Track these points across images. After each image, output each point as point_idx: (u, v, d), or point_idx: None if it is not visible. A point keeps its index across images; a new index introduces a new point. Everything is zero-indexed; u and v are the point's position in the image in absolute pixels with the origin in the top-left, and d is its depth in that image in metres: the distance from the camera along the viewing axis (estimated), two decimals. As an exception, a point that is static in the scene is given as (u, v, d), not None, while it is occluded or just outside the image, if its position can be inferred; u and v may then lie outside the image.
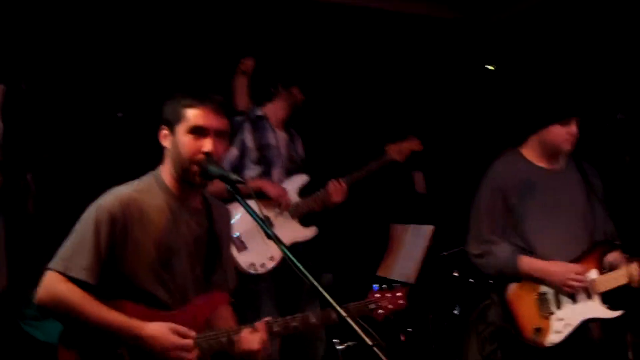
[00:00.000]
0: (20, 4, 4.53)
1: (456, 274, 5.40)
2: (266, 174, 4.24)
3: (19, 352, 3.75)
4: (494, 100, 6.41)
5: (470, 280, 5.34)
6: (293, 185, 4.29)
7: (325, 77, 5.81)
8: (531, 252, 3.51)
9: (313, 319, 2.75)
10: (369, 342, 1.93)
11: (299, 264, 2.16)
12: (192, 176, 2.60)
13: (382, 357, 1.87)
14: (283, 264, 3.99)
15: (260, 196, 4.04)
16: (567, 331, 3.41)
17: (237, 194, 2.47)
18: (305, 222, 4.27)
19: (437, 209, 5.96)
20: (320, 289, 2.08)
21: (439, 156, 6.50)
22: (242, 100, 5.20)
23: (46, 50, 4.61)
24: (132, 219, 2.57)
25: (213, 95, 2.66)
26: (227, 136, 2.70)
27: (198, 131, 2.58)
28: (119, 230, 2.53)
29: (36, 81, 4.48)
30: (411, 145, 4.66)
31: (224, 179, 2.51)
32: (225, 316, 2.81)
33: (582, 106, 3.50)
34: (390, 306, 2.97)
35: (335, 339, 2.65)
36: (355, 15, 6.13)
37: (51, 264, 2.52)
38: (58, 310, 2.49)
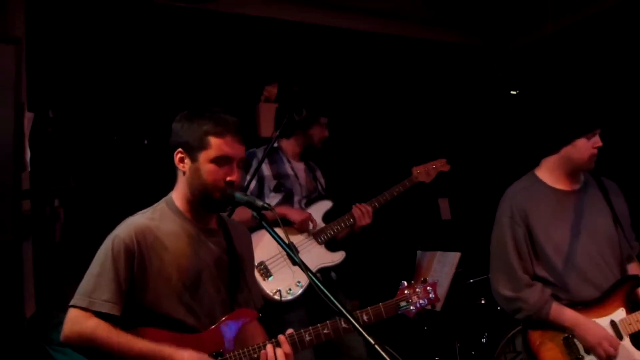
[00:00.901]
0: (48, 33, 4.60)
1: (483, 302, 5.33)
2: (287, 200, 4.21)
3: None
4: (518, 125, 6.39)
5: (498, 308, 5.26)
6: (318, 211, 4.25)
7: (351, 102, 5.85)
8: (560, 287, 3.31)
9: (343, 324, 2.71)
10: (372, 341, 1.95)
11: (325, 290, 2.14)
12: (214, 203, 2.61)
13: (385, 356, 1.87)
14: (313, 291, 3.93)
15: (284, 223, 4.00)
16: None
17: (263, 220, 2.47)
18: (332, 247, 4.22)
19: (463, 236, 5.92)
20: (347, 315, 2.07)
21: (464, 183, 6.49)
22: (265, 126, 5.24)
23: (74, 78, 4.67)
24: (149, 248, 2.56)
25: (231, 120, 2.63)
26: (243, 163, 2.72)
27: (223, 160, 2.59)
28: (137, 260, 2.53)
29: (64, 108, 4.53)
30: (438, 166, 4.54)
31: (250, 205, 2.51)
32: (255, 333, 2.79)
33: (605, 117, 3.32)
34: (421, 302, 2.94)
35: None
36: (380, 42, 6.18)
37: (73, 301, 2.51)
38: (87, 347, 2.47)
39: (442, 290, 4.63)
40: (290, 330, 2.66)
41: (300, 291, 3.97)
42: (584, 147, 3.30)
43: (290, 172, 4.26)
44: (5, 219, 3.64)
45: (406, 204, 6.02)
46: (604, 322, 3.26)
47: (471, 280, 5.33)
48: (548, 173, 3.46)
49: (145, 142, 4.83)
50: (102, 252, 2.55)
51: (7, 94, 3.81)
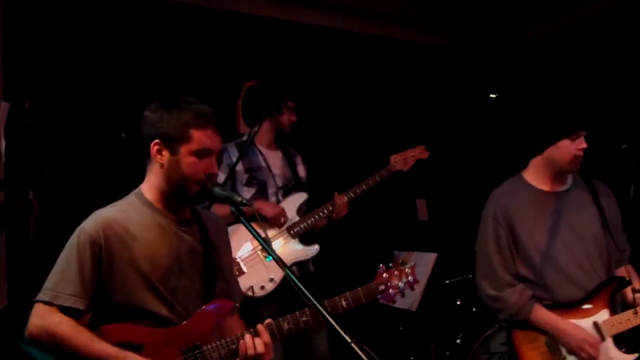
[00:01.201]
0: (25, 23, 4.54)
1: (458, 302, 5.35)
2: (261, 194, 4.20)
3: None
4: (497, 127, 6.43)
5: (473, 309, 5.29)
6: (292, 204, 4.22)
7: (332, 101, 5.84)
8: (541, 286, 3.33)
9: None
10: (348, 340, 1.93)
11: (300, 285, 2.13)
12: (190, 195, 2.57)
13: (362, 354, 1.88)
14: (285, 287, 3.89)
15: (259, 218, 3.98)
16: None
17: (241, 216, 2.44)
18: (308, 240, 4.20)
19: (440, 237, 5.93)
20: (322, 310, 2.06)
21: (442, 184, 6.51)
22: (244, 123, 5.21)
23: (51, 69, 4.61)
24: (117, 240, 2.51)
25: (210, 111, 2.58)
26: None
27: (204, 153, 2.55)
28: (104, 253, 2.48)
29: (40, 99, 4.47)
30: (416, 153, 4.53)
31: (229, 200, 2.48)
32: (234, 324, 2.74)
33: (590, 120, 3.32)
34: (399, 283, 2.86)
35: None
36: (363, 42, 6.18)
37: (38, 296, 2.47)
38: (49, 343, 2.42)
39: (418, 291, 4.62)
40: (268, 320, 2.63)
41: (272, 287, 3.96)
42: (568, 149, 3.31)
43: (262, 164, 4.24)
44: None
45: (384, 203, 6.06)
46: (586, 323, 3.27)
47: (447, 281, 5.35)
48: (534, 174, 3.48)
49: (123, 135, 4.78)
50: (68, 246, 2.52)
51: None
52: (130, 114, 4.82)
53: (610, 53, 5.63)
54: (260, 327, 2.59)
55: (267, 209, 4.06)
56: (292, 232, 4.13)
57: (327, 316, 2.06)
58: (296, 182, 4.35)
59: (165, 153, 2.56)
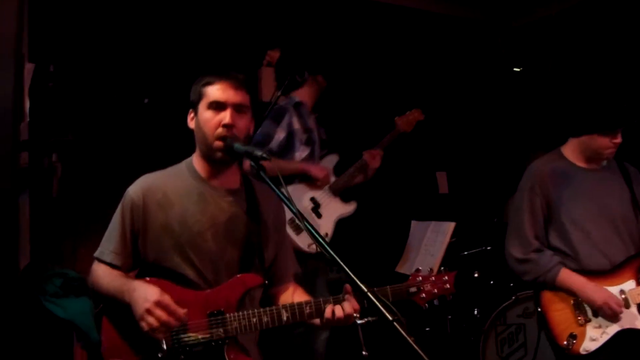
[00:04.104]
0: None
1: (476, 275, 5.34)
2: (311, 155, 4.43)
3: (39, 328, 3.76)
4: (520, 102, 6.38)
5: (491, 281, 5.28)
6: (330, 164, 4.50)
7: (351, 71, 5.82)
8: (572, 256, 3.45)
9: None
10: (390, 317, 1.90)
11: (332, 252, 2.11)
12: (216, 152, 2.63)
13: (403, 332, 1.84)
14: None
15: (305, 178, 4.31)
16: (603, 339, 3.31)
17: (261, 170, 2.46)
18: (345, 198, 4.50)
19: (460, 209, 5.93)
20: (351, 274, 2.06)
21: (463, 157, 6.48)
22: (267, 91, 5.24)
23: (76, 33, 4.65)
24: (153, 204, 2.66)
25: (234, 73, 2.70)
26: (249, 111, 2.71)
27: (217, 106, 2.62)
28: (143, 215, 2.65)
29: (65, 63, 4.51)
30: (416, 115, 4.76)
31: (249, 155, 2.50)
32: (286, 297, 2.84)
33: (629, 116, 3.41)
34: (434, 291, 2.73)
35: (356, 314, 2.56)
36: (383, 11, 6.13)
37: (96, 252, 2.72)
38: (94, 290, 2.67)
39: (435, 259, 4.65)
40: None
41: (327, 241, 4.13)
42: (603, 142, 3.45)
43: (313, 125, 4.48)
44: (3, 167, 3.64)
45: (404, 176, 6.05)
46: (613, 290, 3.38)
47: (465, 253, 5.34)
48: (572, 152, 3.61)
49: (146, 101, 4.82)
50: (118, 208, 2.71)
51: (8, 45, 3.79)
52: (153, 80, 4.90)
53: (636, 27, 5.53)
54: (347, 292, 2.60)
55: (316, 171, 4.34)
56: (333, 189, 4.42)
57: (343, 265, 2.06)
58: (324, 145, 4.59)
59: (194, 118, 2.71)
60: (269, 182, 2.41)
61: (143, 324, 2.42)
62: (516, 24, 6.66)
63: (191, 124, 2.73)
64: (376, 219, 5.82)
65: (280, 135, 4.28)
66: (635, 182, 3.59)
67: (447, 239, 4.56)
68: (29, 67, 3.92)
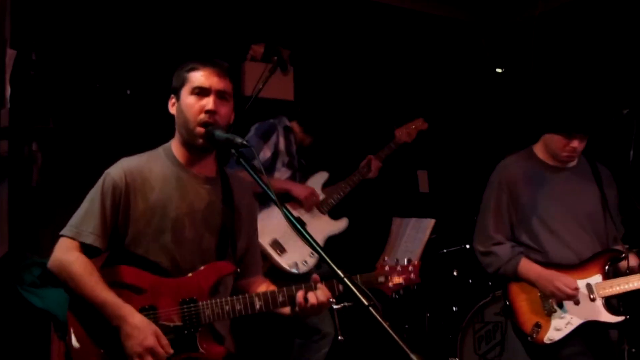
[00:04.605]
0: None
1: (455, 273, 5.37)
2: (292, 178, 4.36)
3: (16, 317, 3.74)
4: (501, 102, 6.42)
5: (469, 280, 5.32)
6: (317, 183, 4.41)
7: (335, 66, 5.83)
8: (540, 251, 3.51)
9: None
10: (366, 303, 1.91)
11: (327, 258, 2.10)
12: (197, 138, 2.62)
13: (378, 317, 1.86)
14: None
15: (288, 198, 4.19)
16: (567, 330, 3.38)
17: (242, 158, 2.46)
18: (333, 216, 4.41)
19: (440, 208, 5.95)
20: (327, 259, 2.07)
21: (444, 156, 6.51)
22: (249, 85, 5.24)
23: (59, 22, 4.62)
24: (136, 188, 2.63)
25: (218, 60, 2.70)
26: (231, 100, 2.71)
27: (200, 91, 2.62)
28: (124, 198, 2.61)
29: (47, 52, 4.49)
30: (418, 125, 4.73)
31: (229, 142, 2.50)
32: (256, 287, 2.84)
33: (588, 123, 3.43)
34: (400, 280, 2.80)
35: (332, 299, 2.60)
36: (368, 9, 6.15)
37: (63, 231, 2.61)
38: (62, 278, 2.54)
39: (414, 256, 4.67)
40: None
41: (314, 261, 4.12)
42: (559, 143, 3.48)
43: (294, 152, 4.40)
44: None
45: (385, 174, 6.05)
46: (580, 283, 3.43)
47: (445, 250, 5.37)
48: (540, 150, 3.65)
49: (128, 92, 4.81)
50: (94, 189, 2.66)
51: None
52: (135, 71, 4.88)
53: (618, 30, 5.59)
54: (317, 281, 2.62)
55: (299, 190, 4.24)
56: (321, 208, 4.33)
57: (324, 255, 2.07)
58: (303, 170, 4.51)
59: (176, 103, 2.70)
60: (249, 169, 2.40)
61: None
62: (500, 25, 6.70)
63: (172, 109, 2.72)
64: (358, 215, 5.82)
65: (265, 153, 4.23)
66: (606, 183, 3.62)
67: (426, 236, 4.57)
68: (10, 54, 3.89)
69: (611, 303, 3.43)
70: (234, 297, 2.60)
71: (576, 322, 3.39)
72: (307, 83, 4.64)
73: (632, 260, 3.49)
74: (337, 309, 3.22)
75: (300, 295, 2.57)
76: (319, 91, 4.66)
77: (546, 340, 3.38)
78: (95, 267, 2.55)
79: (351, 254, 5.40)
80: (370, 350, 5.04)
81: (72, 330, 2.51)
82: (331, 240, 4.61)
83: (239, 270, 2.76)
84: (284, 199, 4.17)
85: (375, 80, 6.19)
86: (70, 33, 4.68)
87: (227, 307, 2.57)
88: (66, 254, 2.55)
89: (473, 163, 6.48)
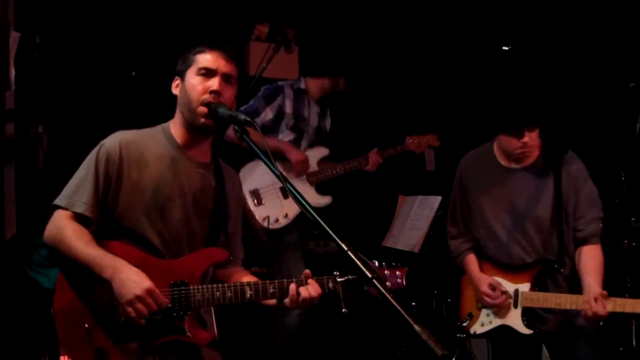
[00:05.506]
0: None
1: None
2: (297, 141, 4.43)
3: (24, 297, 3.77)
4: (505, 79, 6.38)
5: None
6: (315, 154, 4.46)
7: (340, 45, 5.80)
8: (486, 248, 3.64)
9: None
10: (369, 275, 1.92)
11: (319, 218, 2.10)
12: (199, 117, 2.62)
13: (382, 289, 1.87)
14: (297, 222, 4.27)
15: (281, 158, 4.27)
16: (487, 328, 3.57)
17: (244, 134, 2.46)
18: (321, 190, 4.45)
19: (447, 185, 5.93)
20: (332, 234, 2.06)
21: (451, 135, 6.49)
22: (254, 65, 5.23)
23: (62, 4, 4.63)
24: (130, 161, 2.63)
25: (226, 45, 2.71)
26: (236, 85, 2.72)
27: (206, 72, 2.62)
28: (117, 170, 2.61)
29: (51, 34, 4.49)
30: (430, 140, 4.86)
31: (232, 119, 2.50)
32: (226, 274, 2.83)
33: (538, 116, 3.38)
34: (387, 284, 2.82)
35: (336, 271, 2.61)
36: None
37: (56, 201, 2.61)
38: (54, 242, 2.55)
39: (421, 233, 4.69)
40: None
41: (285, 222, 4.22)
42: (509, 142, 3.46)
43: (306, 114, 4.48)
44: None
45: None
46: (511, 287, 3.54)
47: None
48: (497, 148, 3.66)
49: (133, 74, 4.81)
50: (88, 158, 2.66)
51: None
52: (140, 52, 4.88)
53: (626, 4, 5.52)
54: (308, 277, 2.63)
55: (293, 153, 4.30)
56: (310, 179, 4.39)
57: (341, 243, 2.05)
58: (323, 137, 4.60)
59: (180, 84, 2.70)
60: (253, 146, 2.40)
61: (129, 310, 2.39)
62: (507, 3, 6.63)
63: (175, 90, 2.72)
64: (364, 193, 5.84)
65: (267, 115, 4.30)
66: (570, 183, 3.49)
67: (432, 213, 4.59)
68: (15, 36, 3.88)
69: (529, 313, 3.47)
70: (225, 284, 2.61)
71: (496, 322, 3.56)
72: (312, 63, 4.61)
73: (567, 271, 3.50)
74: (341, 281, 3.20)
75: (293, 288, 2.58)
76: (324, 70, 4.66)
77: (472, 331, 3.62)
78: (87, 232, 2.55)
79: (358, 231, 5.46)
80: (375, 323, 5.08)
81: (57, 303, 2.54)
82: (339, 218, 4.64)
83: (232, 257, 2.76)
84: (277, 159, 4.19)
85: (380, 59, 6.16)
86: (74, 15, 4.68)
87: (218, 294, 2.57)
88: (61, 223, 2.56)
89: (479, 140, 6.45)
